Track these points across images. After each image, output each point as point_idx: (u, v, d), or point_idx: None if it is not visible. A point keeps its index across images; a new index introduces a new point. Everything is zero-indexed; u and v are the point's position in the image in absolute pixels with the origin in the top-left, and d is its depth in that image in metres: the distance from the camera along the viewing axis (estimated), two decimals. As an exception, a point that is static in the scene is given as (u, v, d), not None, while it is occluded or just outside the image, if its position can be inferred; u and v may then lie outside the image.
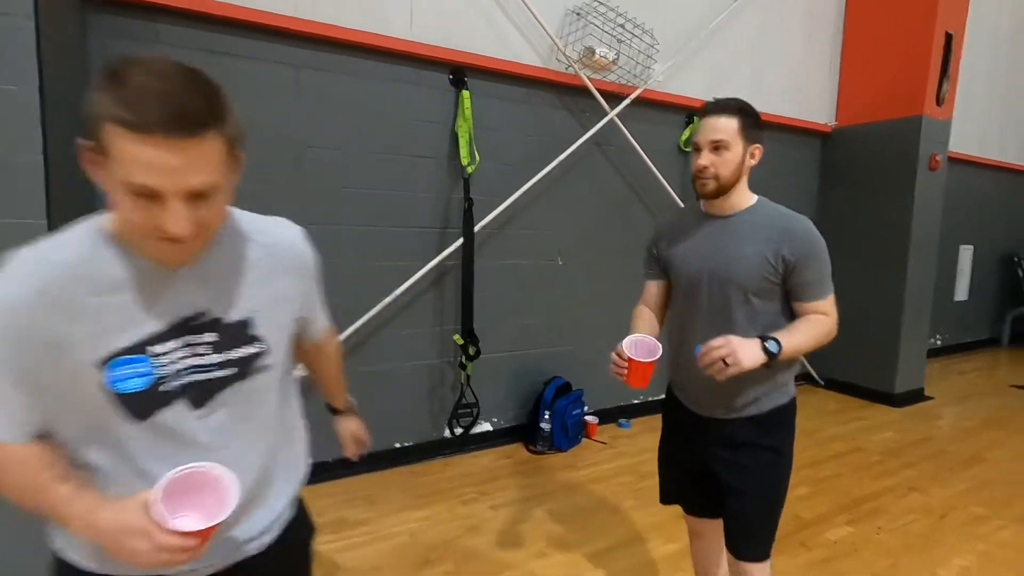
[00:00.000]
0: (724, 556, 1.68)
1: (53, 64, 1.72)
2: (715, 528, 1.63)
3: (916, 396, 4.43)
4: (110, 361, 0.71)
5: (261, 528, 0.88)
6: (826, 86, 4.58)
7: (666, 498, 1.67)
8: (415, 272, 2.91)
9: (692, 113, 3.81)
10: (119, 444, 0.75)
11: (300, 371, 1.05)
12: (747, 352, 1.23)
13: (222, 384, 0.80)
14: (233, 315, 0.81)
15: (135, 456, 0.76)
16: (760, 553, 1.43)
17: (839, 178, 4.61)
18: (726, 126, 1.34)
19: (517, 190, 3.15)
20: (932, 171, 4.17)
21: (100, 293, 0.71)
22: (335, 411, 1.29)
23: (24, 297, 0.68)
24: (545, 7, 3.12)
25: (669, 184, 3.72)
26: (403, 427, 3.06)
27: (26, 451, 0.74)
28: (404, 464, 3.02)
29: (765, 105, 4.06)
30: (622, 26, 3.33)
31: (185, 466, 0.69)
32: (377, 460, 2.96)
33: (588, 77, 3.27)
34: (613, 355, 1.34)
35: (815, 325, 1.35)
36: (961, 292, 5.94)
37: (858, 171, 4.47)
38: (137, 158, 0.62)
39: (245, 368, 0.82)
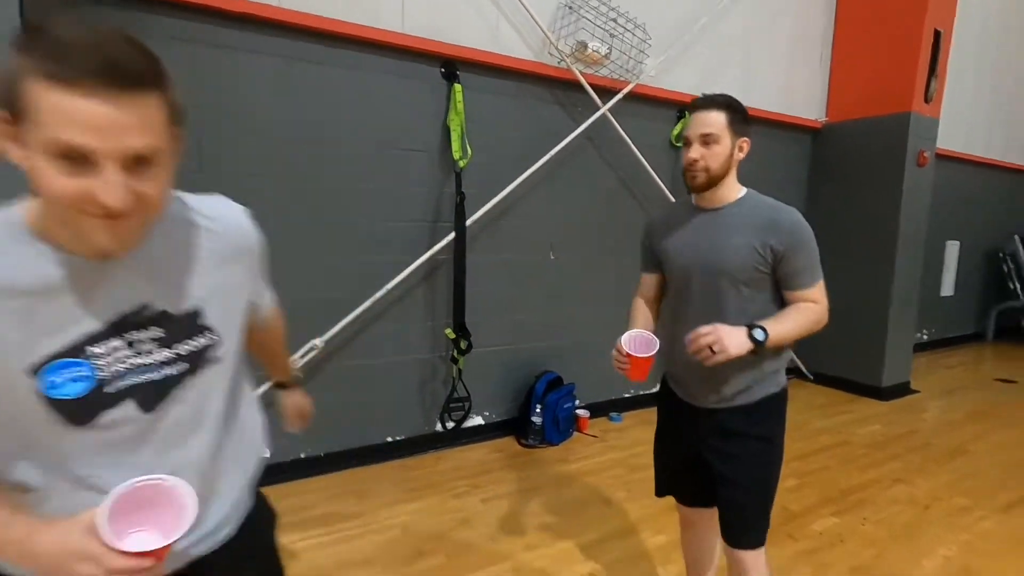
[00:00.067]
0: (715, 545, 1.71)
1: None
2: (707, 518, 1.66)
3: (903, 390, 4.49)
4: (44, 366, 0.64)
5: (217, 522, 0.82)
6: (816, 82, 4.61)
7: (660, 490, 1.69)
8: (407, 266, 2.91)
9: (684, 108, 3.82)
10: (59, 456, 0.69)
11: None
12: (733, 339, 1.27)
13: (173, 382, 0.74)
14: (180, 306, 0.74)
15: (77, 468, 0.69)
16: (754, 541, 1.46)
17: (829, 174, 4.65)
18: (715, 120, 1.38)
19: (509, 184, 3.15)
20: (920, 167, 4.22)
21: (24, 296, 0.64)
22: (281, 385, 1.23)
23: None
24: (537, 0, 3.11)
25: (660, 179, 3.73)
26: (395, 421, 3.06)
27: None
28: (396, 458, 3.03)
29: (756, 101, 4.09)
30: (614, 20, 3.33)
31: (135, 479, 0.63)
32: (369, 454, 2.96)
33: (580, 71, 3.27)
34: (614, 351, 1.41)
35: (804, 313, 1.38)
36: (947, 287, 6.02)
37: (847, 167, 4.51)
38: (67, 113, 0.54)
39: (196, 362, 0.76)
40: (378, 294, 2.84)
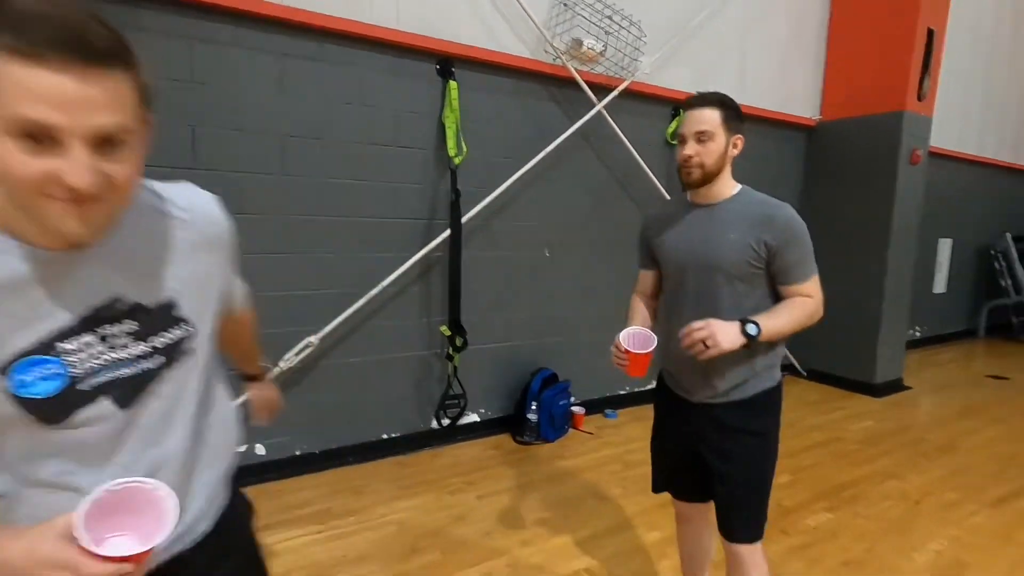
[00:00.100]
0: (711, 540, 1.72)
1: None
2: (702, 513, 1.67)
3: (895, 386, 4.52)
4: (13, 365, 0.62)
5: (195, 517, 0.80)
6: (811, 81, 4.63)
7: (657, 486, 1.70)
8: (402, 263, 2.91)
9: (679, 106, 3.82)
10: (31, 458, 0.66)
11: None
12: (726, 334, 1.29)
13: (149, 376, 0.71)
14: (154, 298, 0.71)
15: (50, 470, 0.67)
16: (751, 535, 1.48)
17: (823, 171, 4.67)
18: (709, 117, 1.39)
19: (504, 182, 3.16)
20: (913, 165, 4.24)
21: None
22: (250, 377, 1.20)
23: None
24: (533, -2, 3.11)
25: (656, 176, 3.74)
26: (390, 418, 3.07)
27: None
28: (392, 455, 3.03)
29: (751, 99, 4.11)
30: (609, 18, 3.33)
31: (113, 482, 0.60)
32: (364, 451, 2.97)
33: (576, 69, 3.27)
34: (613, 348, 1.45)
35: (798, 307, 1.39)
36: (940, 284, 6.06)
37: (841, 165, 4.53)
38: (31, 88, 0.51)
39: (172, 354, 0.73)
40: (373, 291, 2.84)
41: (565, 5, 3.22)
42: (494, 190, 3.13)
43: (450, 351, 3.03)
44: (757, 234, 1.37)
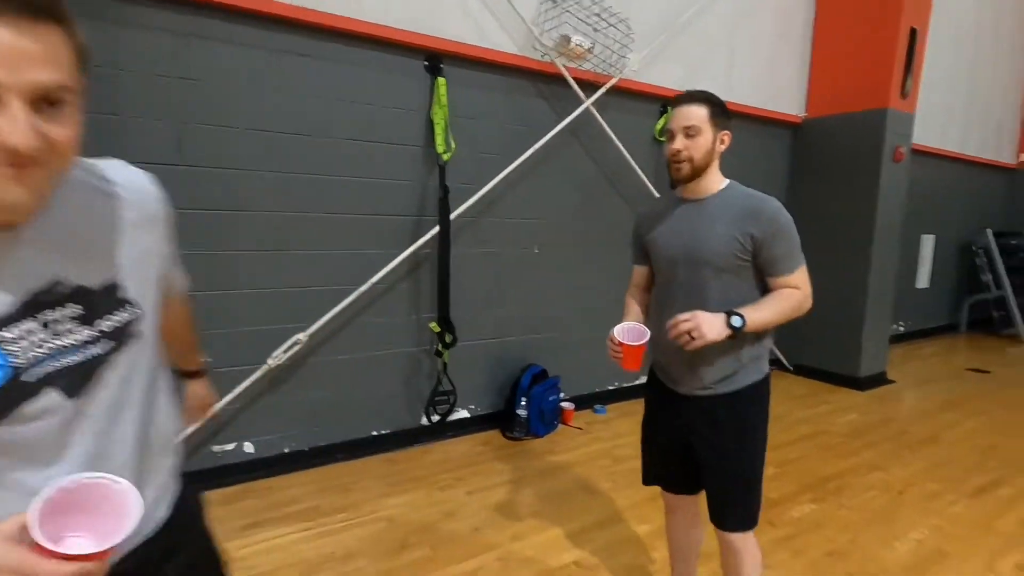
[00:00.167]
0: (700, 531, 1.75)
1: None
2: (691, 504, 1.70)
3: (879, 380, 4.60)
4: None
5: (147, 510, 0.77)
6: (797, 78, 4.67)
7: (647, 479, 1.72)
8: (391, 260, 2.90)
9: (667, 103, 3.85)
10: None
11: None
12: (711, 325, 1.32)
13: (98, 362, 0.67)
14: (97, 279, 0.67)
15: None
16: (744, 524, 1.51)
17: (808, 168, 4.72)
18: (697, 113, 1.42)
19: (493, 178, 3.16)
20: (896, 162, 4.30)
21: None
22: (188, 374, 1.15)
23: None
24: (521, -6, 3.11)
25: (644, 173, 3.76)
26: (380, 415, 3.06)
27: None
28: (381, 452, 3.02)
29: (738, 96, 4.14)
30: (598, 15, 3.34)
31: (69, 478, 0.56)
32: (354, 448, 2.96)
33: (564, 66, 3.27)
34: (608, 341, 1.49)
35: (784, 299, 1.42)
36: (923, 280, 6.16)
37: (826, 161, 4.58)
38: None
39: (120, 338, 0.69)
40: (362, 288, 2.83)
41: (553, 2, 3.23)
42: (483, 187, 3.13)
43: (439, 348, 3.03)
44: (743, 227, 1.39)
